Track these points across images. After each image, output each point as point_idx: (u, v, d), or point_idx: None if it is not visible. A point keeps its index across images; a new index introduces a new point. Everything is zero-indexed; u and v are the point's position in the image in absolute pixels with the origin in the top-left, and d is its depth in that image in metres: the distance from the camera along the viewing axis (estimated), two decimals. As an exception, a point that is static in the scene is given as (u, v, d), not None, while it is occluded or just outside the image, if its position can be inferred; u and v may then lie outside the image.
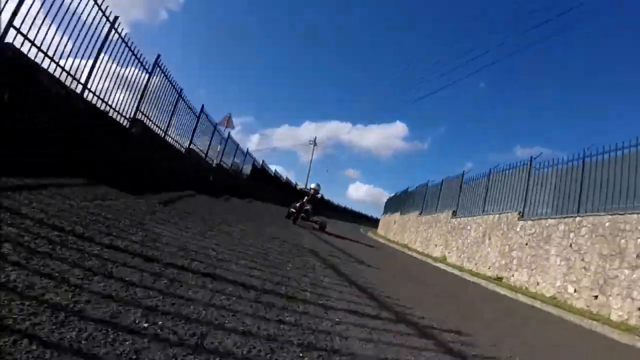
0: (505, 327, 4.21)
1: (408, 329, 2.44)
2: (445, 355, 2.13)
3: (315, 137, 41.09)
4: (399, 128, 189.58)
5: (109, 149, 5.72)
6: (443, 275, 8.62)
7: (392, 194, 27.69)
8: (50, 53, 4.23)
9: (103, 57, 5.31)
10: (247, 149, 19.12)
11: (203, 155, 11.95)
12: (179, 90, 8.66)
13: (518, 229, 8.68)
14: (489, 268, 9.32)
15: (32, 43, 3.88)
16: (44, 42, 4.05)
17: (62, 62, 4.51)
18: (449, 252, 11.90)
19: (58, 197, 2.84)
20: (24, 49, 3.77)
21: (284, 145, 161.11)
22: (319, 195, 10.56)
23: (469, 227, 11.09)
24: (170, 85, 8.06)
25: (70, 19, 4.45)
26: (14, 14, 3.60)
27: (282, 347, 1.54)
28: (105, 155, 5.55)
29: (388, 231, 22.76)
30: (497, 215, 9.72)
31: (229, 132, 14.43)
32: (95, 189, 3.88)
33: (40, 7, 3.92)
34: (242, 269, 2.71)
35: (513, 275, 8.37)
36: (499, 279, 8.62)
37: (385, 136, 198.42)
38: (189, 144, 10.48)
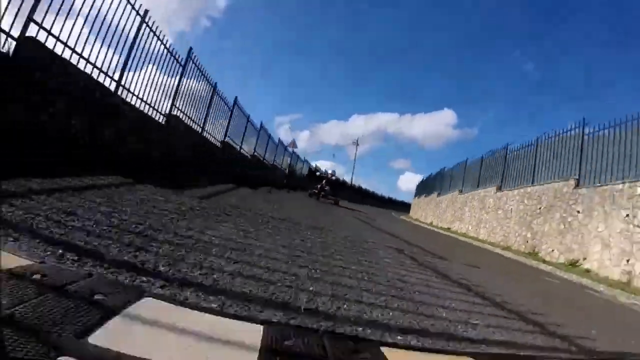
0: (432, 241, 10.44)
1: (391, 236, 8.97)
2: (395, 238, 8.62)
3: (358, 139, 47.24)
4: (447, 115, 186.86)
5: (255, 170, 12.90)
6: (422, 229, 14.69)
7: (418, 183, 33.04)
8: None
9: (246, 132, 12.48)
10: (305, 158, 26.27)
11: (279, 166, 19.21)
12: (269, 135, 15.90)
13: (458, 200, 14.51)
14: (446, 224, 15.21)
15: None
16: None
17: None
18: (434, 219, 17.77)
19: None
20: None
21: (331, 141, 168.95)
22: (334, 178, 15.00)
23: (442, 202, 16.92)
24: (267, 136, 15.33)
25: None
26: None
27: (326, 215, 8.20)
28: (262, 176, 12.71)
29: (412, 212, 28.49)
30: (452, 193, 15.53)
31: (293, 151, 21.57)
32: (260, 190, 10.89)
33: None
34: (303, 207, 9.43)
35: (455, 226, 14.25)
36: (448, 229, 14.52)
37: (434, 124, 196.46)
38: (273, 161, 17.72)
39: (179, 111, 7.18)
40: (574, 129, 8.61)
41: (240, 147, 12.12)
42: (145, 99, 6.00)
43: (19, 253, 1.09)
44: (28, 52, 3.69)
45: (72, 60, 4.28)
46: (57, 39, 4.06)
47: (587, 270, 6.96)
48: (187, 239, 1.99)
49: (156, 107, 6.40)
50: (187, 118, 7.59)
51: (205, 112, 8.61)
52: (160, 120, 6.59)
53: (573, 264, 7.32)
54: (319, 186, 13.30)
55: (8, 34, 3.57)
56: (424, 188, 25.74)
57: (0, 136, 2.98)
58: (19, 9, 3.62)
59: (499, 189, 11.17)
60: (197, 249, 1.85)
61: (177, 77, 6.91)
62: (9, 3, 3.64)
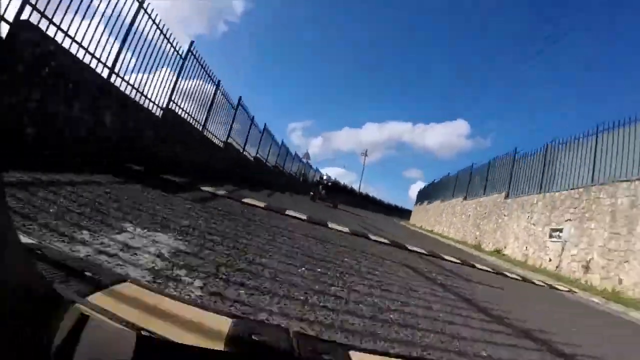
0: (418, 240, 13.57)
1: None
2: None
3: (367, 150, 50.18)
4: (461, 126, 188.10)
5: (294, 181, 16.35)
6: (407, 229, 17.75)
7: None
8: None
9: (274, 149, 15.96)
10: (317, 167, 29.71)
11: (295, 175, 22.66)
12: (287, 150, 19.37)
13: (440, 207, 17.53)
14: (430, 226, 18.23)
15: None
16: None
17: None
18: (423, 223, 20.77)
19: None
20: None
21: (344, 148, 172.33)
22: (329, 183, 17.55)
23: (430, 209, 19.93)
24: (286, 151, 18.84)
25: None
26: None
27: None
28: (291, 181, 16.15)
29: (411, 219, 31.38)
30: (437, 202, 18.55)
31: (307, 161, 25.02)
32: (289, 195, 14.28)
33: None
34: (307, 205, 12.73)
35: (435, 228, 17.26)
36: (431, 231, 17.54)
37: (447, 134, 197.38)
38: (290, 170, 21.17)
39: (231, 138, 10.66)
40: (510, 154, 11.66)
41: (266, 161, 15.58)
42: (214, 132, 9.50)
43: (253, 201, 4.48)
44: (168, 115, 7.22)
45: (183, 116, 7.79)
46: (179, 106, 7.58)
47: (504, 254, 9.98)
48: (293, 204, 5.42)
49: (219, 137, 9.90)
50: (235, 142, 11.07)
51: (245, 137, 12.11)
52: (221, 145, 10.07)
53: (497, 251, 10.34)
54: (315, 190, 15.00)
55: (160, 107, 7.20)
56: (421, 197, 28.68)
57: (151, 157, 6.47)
58: (164, 93, 7.19)
59: (465, 198, 14.21)
60: (295, 206, 5.26)
61: (232, 118, 10.43)
62: (155, 96, 7.23)
